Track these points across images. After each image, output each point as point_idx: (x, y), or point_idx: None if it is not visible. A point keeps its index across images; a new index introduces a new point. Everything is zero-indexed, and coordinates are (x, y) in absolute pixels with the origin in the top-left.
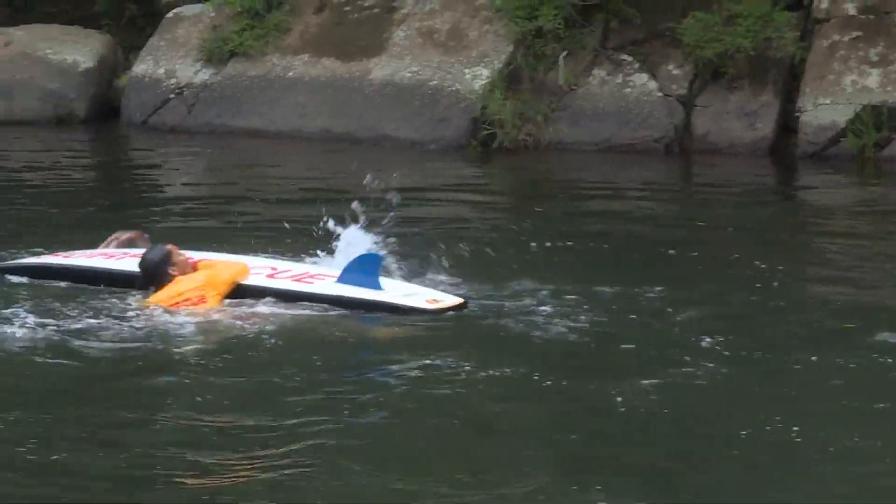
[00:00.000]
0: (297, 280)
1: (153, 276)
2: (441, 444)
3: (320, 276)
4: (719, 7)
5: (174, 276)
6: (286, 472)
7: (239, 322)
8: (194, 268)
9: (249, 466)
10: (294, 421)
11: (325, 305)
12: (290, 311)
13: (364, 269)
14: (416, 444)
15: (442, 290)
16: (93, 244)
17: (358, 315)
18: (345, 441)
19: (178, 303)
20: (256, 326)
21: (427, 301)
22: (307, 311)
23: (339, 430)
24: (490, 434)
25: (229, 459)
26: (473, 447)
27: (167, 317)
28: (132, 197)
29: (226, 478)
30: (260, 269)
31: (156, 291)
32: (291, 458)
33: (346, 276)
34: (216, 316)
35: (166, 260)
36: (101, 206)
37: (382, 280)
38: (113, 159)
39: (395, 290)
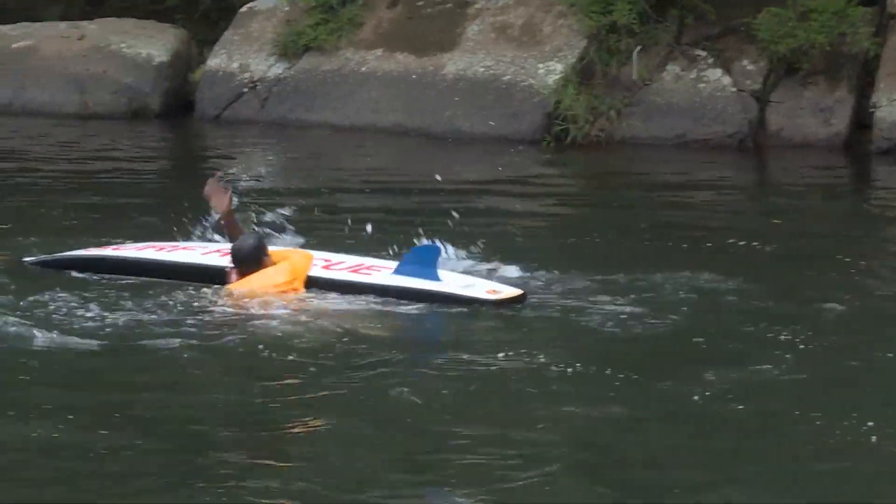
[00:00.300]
0: (354, 271)
1: (246, 261)
2: (507, 440)
3: (376, 267)
4: (794, 2)
5: (266, 265)
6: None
7: (311, 314)
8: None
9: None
10: (355, 413)
11: (386, 297)
12: (349, 303)
13: (422, 259)
14: (480, 439)
15: (510, 284)
16: (164, 237)
17: (417, 306)
18: (399, 432)
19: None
20: (325, 318)
21: (487, 292)
22: (366, 303)
23: (398, 422)
24: (561, 429)
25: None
26: (542, 443)
27: (253, 307)
28: (200, 190)
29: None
30: (315, 261)
31: (239, 278)
32: (356, 449)
33: (404, 268)
34: (292, 307)
35: (262, 249)
36: (173, 200)
37: (441, 272)
38: (187, 153)
39: (455, 282)
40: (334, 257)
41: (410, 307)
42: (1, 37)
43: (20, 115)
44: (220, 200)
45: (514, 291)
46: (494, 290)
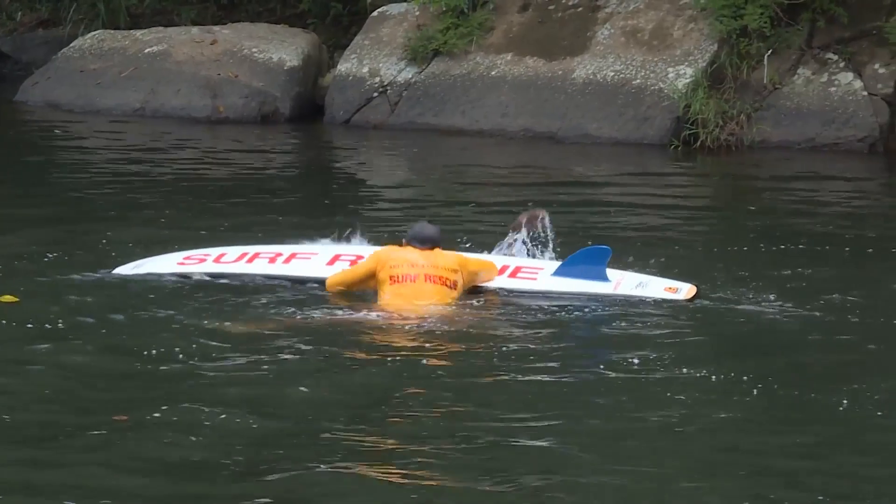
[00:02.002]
0: (514, 276)
1: (433, 242)
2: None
3: (530, 268)
4: None
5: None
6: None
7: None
8: None
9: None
10: (517, 416)
11: (550, 297)
12: (517, 304)
13: (591, 261)
14: (651, 442)
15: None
16: (294, 240)
17: (588, 306)
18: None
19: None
20: (494, 321)
21: (666, 290)
22: (531, 304)
23: (555, 426)
24: (724, 434)
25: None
26: (701, 447)
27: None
28: (336, 195)
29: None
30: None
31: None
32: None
33: (569, 269)
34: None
35: (439, 238)
36: (304, 204)
37: (609, 271)
38: (317, 157)
39: (627, 281)
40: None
41: (578, 307)
42: (134, 41)
43: (152, 119)
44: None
45: (691, 288)
46: (672, 288)
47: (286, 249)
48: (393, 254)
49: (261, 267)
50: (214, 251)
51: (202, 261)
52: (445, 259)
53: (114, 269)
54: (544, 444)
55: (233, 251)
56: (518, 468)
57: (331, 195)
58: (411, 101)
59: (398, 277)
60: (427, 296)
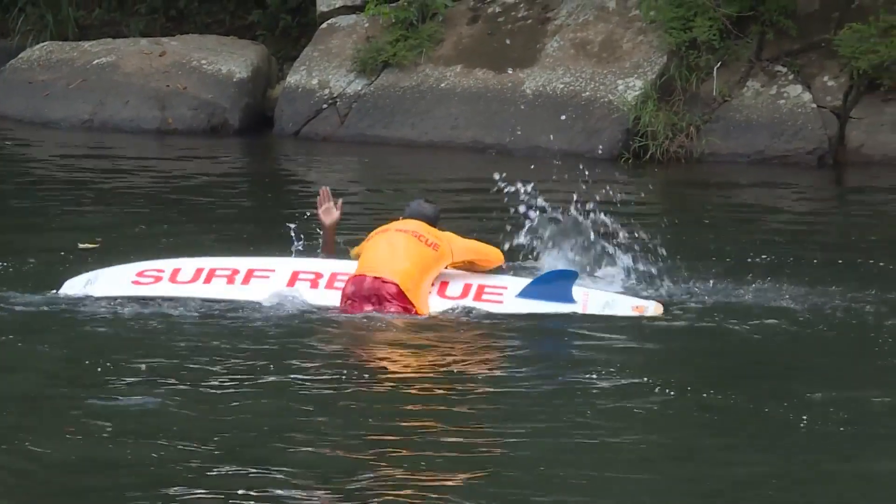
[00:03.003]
0: (478, 299)
1: (428, 220)
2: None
3: (494, 288)
4: (875, 18)
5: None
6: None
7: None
8: None
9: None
10: (486, 428)
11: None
12: (481, 317)
13: (557, 282)
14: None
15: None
16: (238, 253)
17: (555, 323)
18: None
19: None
20: (456, 332)
21: (633, 308)
22: (496, 318)
23: (516, 442)
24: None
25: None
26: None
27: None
28: (283, 206)
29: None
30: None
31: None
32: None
33: (536, 290)
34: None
35: (438, 217)
36: (251, 216)
37: (575, 290)
38: (266, 169)
39: (594, 301)
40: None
41: (544, 324)
42: (82, 53)
43: (101, 131)
44: (328, 213)
45: (657, 306)
46: (640, 308)
47: (242, 265)
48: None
49: (219, 289)
50: (169, 265)
51: (157, 279)
52: (429, 228)
53: (63, 282)
54: (504, 459)
55: (188, 266)
56: (481, 483)
57: (279, 207)
58: (361, 112)
59: (373, 235)
60: (397, 246)
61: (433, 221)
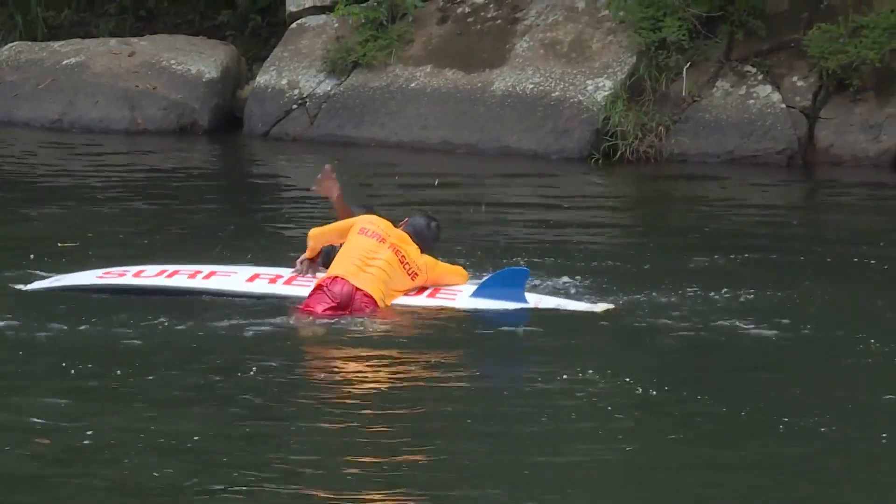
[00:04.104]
0: (433, 296)
1: (426, 243)
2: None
3: (449, 289)
4: (845, 19)
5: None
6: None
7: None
8: None
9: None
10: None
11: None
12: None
13: (510, 282)
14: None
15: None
16: (206, 254)
17: (505, 321)
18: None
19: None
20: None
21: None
22: (452, 316)
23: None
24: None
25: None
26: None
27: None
28: (254, 206)
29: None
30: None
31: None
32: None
33: (487, 290)
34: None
35: (437, 238)
36: (221, 216)
37: (528, 294)
38: (236, 169)
39: (545, 304)
40: None
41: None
42: (52, 53)
43: (70, 131)
44: (331, 186)
45: (612, 308)
46: (594, 308)
47: (205, 268)
48: (375, 219)
49: (181, 281)
50: (132, 269)
51: (121, 275)
52: (417, 255)
53: (29, 284)
54: (464, 459)
55: (151, 270)
56: (441, 484)
57: (249, 207)
58: (330, 113)
59: (368, 231)
60: (381, 259)
61: (431, 243)
